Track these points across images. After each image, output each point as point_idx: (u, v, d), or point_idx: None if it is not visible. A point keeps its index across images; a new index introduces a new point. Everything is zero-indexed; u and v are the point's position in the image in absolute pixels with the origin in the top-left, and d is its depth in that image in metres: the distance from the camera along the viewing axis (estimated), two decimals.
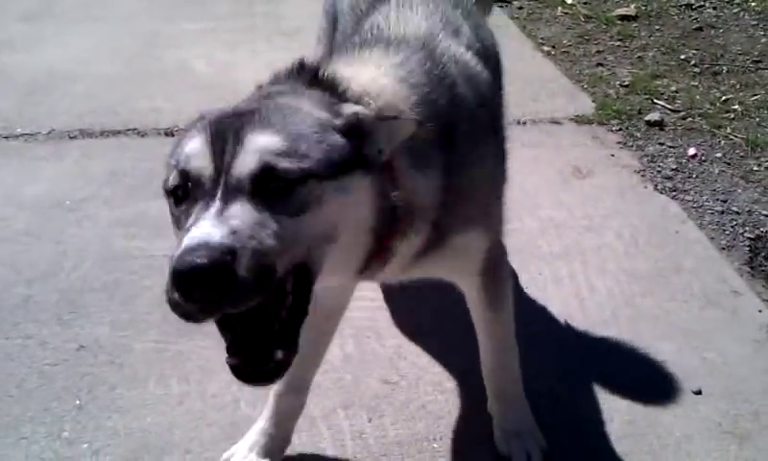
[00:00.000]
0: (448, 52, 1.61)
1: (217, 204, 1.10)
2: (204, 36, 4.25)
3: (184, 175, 1.16)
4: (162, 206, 2.85)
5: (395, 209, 1.31)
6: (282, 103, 1.25)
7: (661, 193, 3.06)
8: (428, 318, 2.33)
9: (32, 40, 4.19)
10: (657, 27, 4.75)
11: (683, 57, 4.34)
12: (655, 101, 3.83)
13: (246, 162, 1.13)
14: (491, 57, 1.90)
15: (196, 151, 1.16)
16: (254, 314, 1.12)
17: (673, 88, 3.97)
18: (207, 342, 2.20)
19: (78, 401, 2.00)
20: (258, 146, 1.14)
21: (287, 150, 1.15)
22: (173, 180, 1.19)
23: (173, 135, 3.27)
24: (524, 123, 3.55)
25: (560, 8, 5.03)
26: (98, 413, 1.97)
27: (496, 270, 1.75)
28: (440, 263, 1.55)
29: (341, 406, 2.01)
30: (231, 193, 1.11)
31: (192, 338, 2.21)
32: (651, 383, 2.16)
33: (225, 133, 1.16)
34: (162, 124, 3.35)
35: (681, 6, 5.03)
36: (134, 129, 3.33)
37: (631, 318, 2.38)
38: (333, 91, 1.33)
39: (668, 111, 3.74)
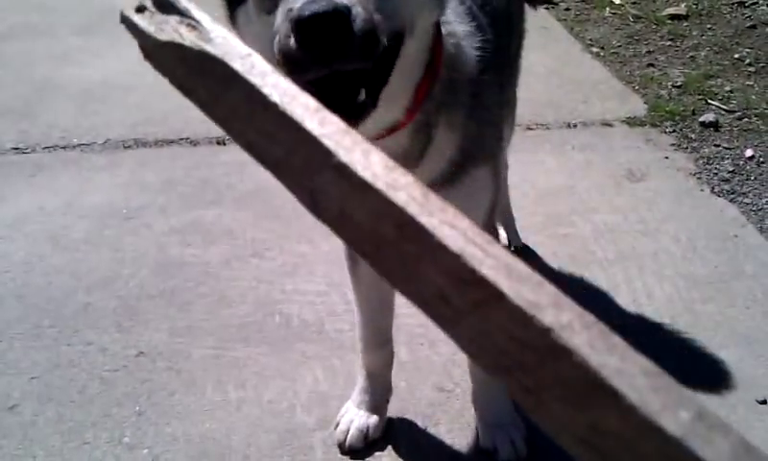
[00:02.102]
0: None
1: None
2: None
3: None
4: (216, 215, 2.91)
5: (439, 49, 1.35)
6: None
7: (719, 196, 2.98)
8: None
9: (86, 53, 4.30)
10: (708, 26, 4.64)
11: (736, 56, 4.23)
12: (709, 101, 3.73)
13: None
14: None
15: None
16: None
17: (727, 88, 3.87)
18: (263, 348, 2.23)
19: (138, 407, 2.04)
20: None
21: None
22: None
23: (224, 144, 3.32)
24: (575, 126, 3.51)
25: (608, 8, 4.95)
26: (157, 419, 2.00)
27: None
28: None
29: (395, 414, 2.01)
30: None
31: (248, 344, 2.24)
32: (713, 392, 2.10)
33: None
34: (213, 133, 3.40)
35: (733, 4, 4.91)
36: (187, 138, 3.39)
37: (691, 324, 2.32)
38: None
39: (723, 112, 3.65)
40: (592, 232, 2.75)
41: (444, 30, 1.41)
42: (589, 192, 2.97)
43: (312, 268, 2.57)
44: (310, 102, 0.54)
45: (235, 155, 3.24)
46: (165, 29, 0.62)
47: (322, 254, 2.62)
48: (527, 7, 2.35)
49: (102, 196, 2.99)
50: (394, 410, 2.01)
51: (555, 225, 2.75)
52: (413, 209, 0.47)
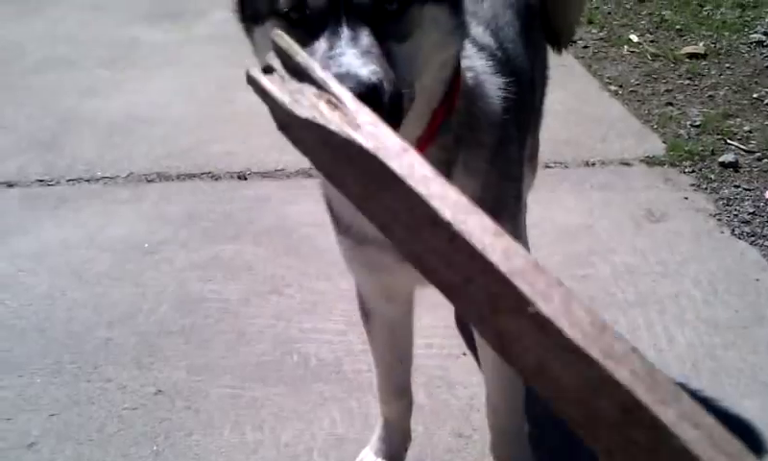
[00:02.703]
0: None
1: (346, 32, 1.10)
2: None
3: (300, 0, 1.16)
4: (236, 250, 2.93)
5: (457, 80, 1.36)
6: None
7: (739, 238, 2.96)
8: None
9: (112, 86, 4.38)
10: (727, 65, 4.63)
11: (755, 95, 4.21)
12: (728, 141, 3.72)
13: None
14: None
15: None
16: None
17: (747, 128, 3.85)
18: (280, 389, 2.23)
19: (155, 447, 2.04)
20: None
21: None
22: (285, 3, 1.18)
23: (245, 179, 3.36)
24: (593, 164, 3.51)
25: (626, 46, 4.97)
26: (174, 460, 2.00)
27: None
28: None
29: (413, 460, 2.00)
30: (353, 18, 1.11)
31: (265, 384, 2.25)
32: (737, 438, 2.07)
33: None
34: (235, 167, 3.45)
35: (751, 43, 4.90)
36: (209, 172, 3.43)
37: (713, 371, 2.29)
38: None
39: (743, 152, 3.63)
40: (612, 274, 2.74)
41: (463, 63, 1.42)
42: (608, 232, 2.96)
43: (331, 306, 2.57)
44: (486, 221, 0.48)
45: (256, 189, 3.29)
46: (302, 102, 0.57)
47: (340, 292, 2.63)
48: (550, 51, 2.36)
49: (124, 229, 3.02)
50: (411, 456, 2.00)
51: (574, 265, 2.75)
52: (641, 393, 0.41)
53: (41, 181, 3.40)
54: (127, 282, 2.71)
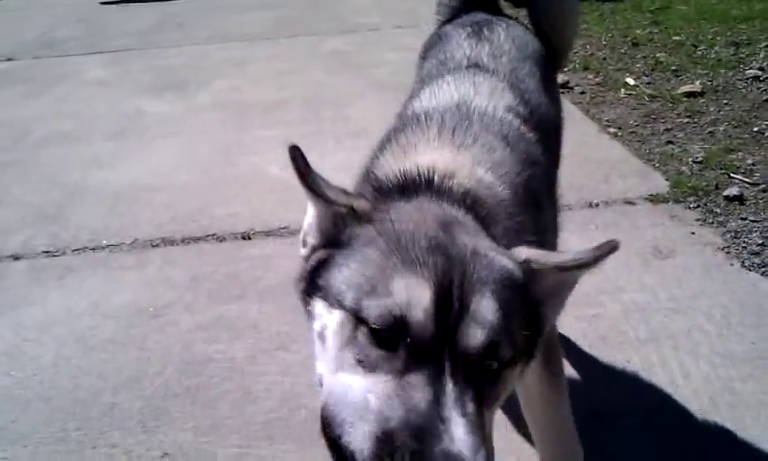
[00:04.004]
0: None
1: (451, 387, 1.00)
2: (275, 141, 4.41)
3: (400, 322, 1.04)
4: (242, 310, 2.90)
5: None
6: (479, 250, 1.14)
7: (749, 270, 2.92)
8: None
9: (116, 157, 4.44)
10: (725, 101, 4.67)
11: (756, 129, 4.23)
12: (732, 175, 3.71)
13: (476, 336, 1.04)
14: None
15: (421, 304, 1.04)
16: None
17: (749, 161, 3.85)
18: (288, 445, 2.18)
19: None
20: (487, 318, 1.05)
21: (506, 326, 1.07)
22: (377, 319, 1.05)
23: (249, 239, 3.37)
24: (597, 205, 3.50)
25: (623, 89, 5.02)
26: None
27: (552, 346, 1.71)
28: None
29: None
30: (457, 367, 1.02)
31: (273, 442, 2.20)
32: None
33: (449, 289, 1.05)
34: (239, 228, 3.46)
35: (748, 79, 4.95)
36: (213, 234, 3.44)
37: (732, 405, 2.23)
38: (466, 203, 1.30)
39: (747, 185, 3.62)
40: (622, 312, 2.69)
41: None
42: (616, 271, 2.92)
43: None
44: None
45: (260, 249, 3.29)
46: None
47: None
48: None
49: (129, 295, 3.02)
50: None
51: (583, 305, 2.70)
52: None
53: (47, 252, 3.41)
54: (132, 347, 2.68)
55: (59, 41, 6.79)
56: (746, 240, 3.13)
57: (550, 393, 1.71)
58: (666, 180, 3.70)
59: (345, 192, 1.26)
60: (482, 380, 1.05)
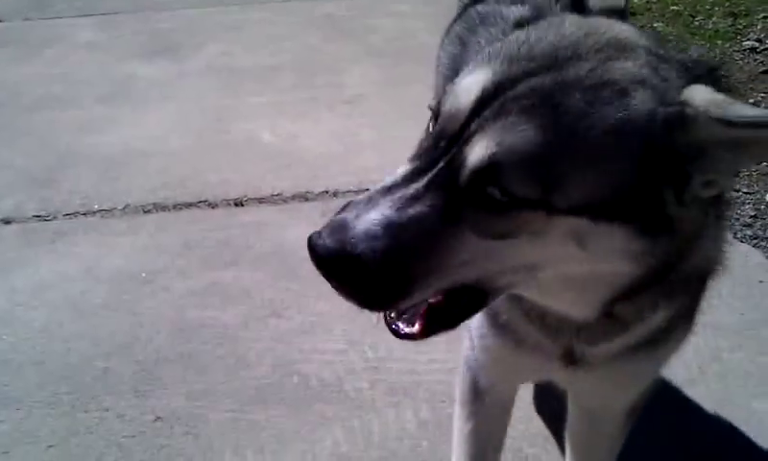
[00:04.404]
0: None
1: (419, 184, 0.93)
2: (268, 108, 4.38)
3: (435, 112, 0.99)
4: (234, 276, 2.91)
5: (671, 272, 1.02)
6: (604, 75, 0.92)
7: (741, 241, 2.93)
8: None
9: (108, 122, 4.39)
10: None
11: (751, 101, 4.21)
12: None
13: (475, 151, 0.90)
14: None
15: (463, 94, 0.95)
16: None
17: None
18: (281, 410, 2.20)
19: None
20: (501, 137, 0.89)
21: (537, 158, 0.88)
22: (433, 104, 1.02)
23: (242, 206, 3.35)
24: None
25: None
26: None
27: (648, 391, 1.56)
28: (626, 368, 1.27)
29: None
30: (444, 176, 0.93)
31: (266, 407, 2.21)
32: (746, 444, 2.03)
33: (500, 90, 0.92)
34: (232, 194, 3.44)
35: (745, 50, 4.92)
36: (205, 200, 3.42)
37: (720, 374, 2.25)
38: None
39: None
40: None
41: None
42: None
43: (330, 326, 2.55)
44: None
45: (253, 215, 3.28)
46: None
47: (340, 313, 2.59)
48: None
49: (121, 260, 3.01)
50: None
51: None
52: None
53: (38, 216, 3.39)
54: (124, 312, 2.68)
55: (49, 3, 6.66)
56: (739, 212, 3.13)
57: (615, 436, 1.64)
58: None
59: None
60: (480, 203, 0.91)
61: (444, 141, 0.94)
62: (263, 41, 5.62)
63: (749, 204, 3.19)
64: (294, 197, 3.39)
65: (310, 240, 0.96)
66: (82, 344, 2.53)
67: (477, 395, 1.59)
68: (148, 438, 2.13)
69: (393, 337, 1.12)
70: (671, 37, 5.20)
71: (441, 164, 0.93)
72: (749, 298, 2.59)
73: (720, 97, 0.93)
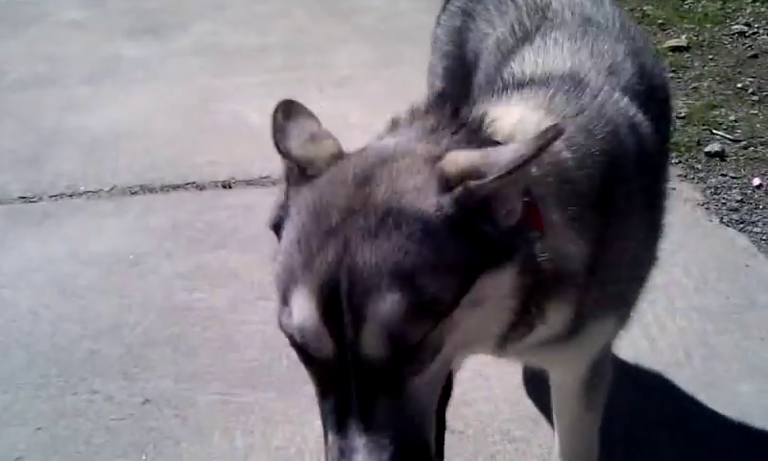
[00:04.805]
0: (604, 95, 1.39)
1: (356, 405, 0.95)
2: (257, 88, 4.34)
3: (304, 348, 0.99)
4: (222, 259, 2.89)
5: (538, 276, 1.09)
6: (384, 208, 0.98)
7: (728, 226, 2.96)
8: (493, 362, 2.27)
9: (93, 101, 4.35)
10: (710, 56, 4.65)
11: (739, 85, 4.23)
12: (714, 131, 3.72)
13: (375, 345, 0.93)
14: (657, 100, 1.61)
15: (309, 326, 0.96)
16: None
17: (732, 118, 3.86)
18: (270, 393, 2.20)
19: (144, 457, 2.01)
20: (383, 320, 0.92)
21: (410, 303, 0.93)
22: (289, 341, 1.02)
23: (230, 187, 3.34)
24: None
25: None
26: None
27: (603, 364, 1.61)
28: (559, 352, 1.34)
29: None
30: (364, 380, 0.95)
31: (255, 389, 2.21)
32: (731, 427, 2.05)
33: (337, 297, 0.94)
34: (220, 176, 3.42)
35: (733, 34, 4.93)
36: (193, 182, 3.40)
37: (705, 358, 2.28)
38: (477, 132, 1.13)
39: (729, 142, 3.64)
40: None
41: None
42: None
43: None
44: None
45: (241, 198, 3.26)
46: None
47: None
48: None
49: (108, 242, 2.99)
50: None
51: None
52: None
53: (24, 197, 3.36)
54: (112, 295, 2.67)
55: None
56: (725, 197, 3.16)
57: (587, 405, 1.66)
58: None
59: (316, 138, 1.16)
60: (400, 363, 0.96)
61: (332, 367, 0.97)
62: (251, 20, 5.56)
63: (735, 188, 3.21)
64: (282, 180, 3.37)
65: None
66: (69, 326, 2.52)
67: None
68: (136, 420, 2.12)
69: None
70: (660, 20, 5.21)
71: (353, 386, 0.96)
72: (735, 282, 2.61)
73: (474, 156, 1.02)
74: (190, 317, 2.53)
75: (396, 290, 0.92)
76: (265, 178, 3.39)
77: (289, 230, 1.05)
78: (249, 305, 2.58)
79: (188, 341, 2.42)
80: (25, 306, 2.62)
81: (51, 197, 3.35)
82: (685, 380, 2.20)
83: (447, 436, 2.00)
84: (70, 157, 3.69)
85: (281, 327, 1.02)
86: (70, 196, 3.37)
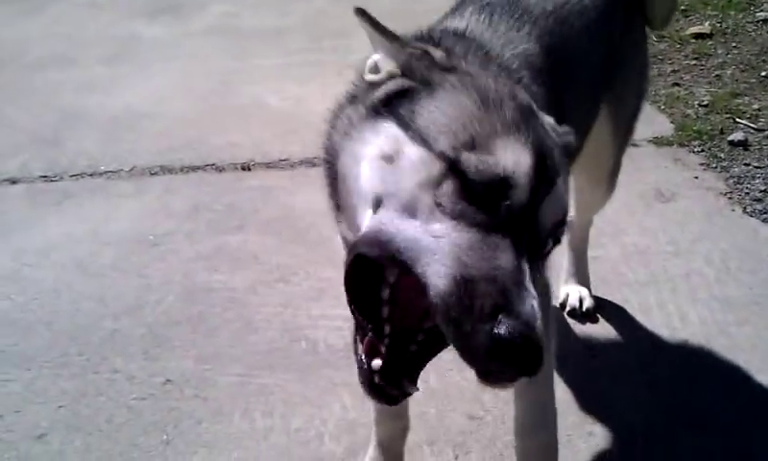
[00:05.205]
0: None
1: (526, 258, 0.99)
2: (275, 71, 4.34)
3: (500, 182, 1.01)
4: (242, 241, 2.90)
5: None
6: (547, 122, 1.17)
7: (751, 216, 2.92)
8: None
9: (111, 82, 4.35)
10: (734, 44, 4.59)
11: (763, 73, 4.17)
12: (737, 120, 3.68)
13: (556, 214, 1.06)
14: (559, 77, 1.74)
15: (523, 169, 1.01)
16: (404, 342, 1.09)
17: (755, 106, 3.81)
18: (289, 375, 2.21)
19: (165, 436, 2.02)
20: (564, 197, 1.08)
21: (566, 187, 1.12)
22: (477, 174, 1.00)
23: (249, 170, 3.34)
24: None
25: None
26: (185, 448, 1.98)
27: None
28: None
29: (426, 442, 1.97)
30: (535, 243, 1.03)
31: (274, 371, 2.22)
32: (752, 419, 2.04)
33: (541, 164, 1.04)
34: (239, 159, 3.42)
35: (758, 22, 4.86)
36: (213, 164, 3.40)
37: (726, 348, 2.26)
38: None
39: (752, 130, 3.59)
40: (622, 254, 2.71)
41: None
42: (618, 213, 2.91)
43: (338, 292, 2.52)
44: None
45: (261, 180, 3.26)
46: None
47: None
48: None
49: (129, 223, 3.00)
50: (424, 438, 1.97)
51: None
52: None
53: (44, 176, 3.38)
54: (132, 275, 2.68)
55: None
56: (748, 186, 3.12)
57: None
58: (671, 123, 3.67)
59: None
60: (542, 258, 1.09)
61: (506, 210, 1.00)
62: (270, 2, 5.54)
63: (759, 178, 3.17)
64: (302, 162, 3.37)
65: (526, 338, 0.93)
66: (90, 305, 2.54)
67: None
68: (157, 400, 2.14)
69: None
70: (684, 6, 5.13)
71: (527, 235, 1.01)
72: (757, 272, 2.58)
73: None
74: (210, 298, 2.54)
75: (566, 181, 1.10)
76: (284, 160, 3.39)
77: (459, 99, 1.09)
78: (268, 288, 2.58)
79: (208, 322, 2.43)
80: (47, 285, 2.64)
81: (71, 176, 3.37)
82: (706, 372, 2.19)
83: (466, 422, 2.02)
84: (90, 137, 3.71)
85: (460, 162, 1.01)
86: (90, 175, 3.38)
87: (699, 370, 2.21)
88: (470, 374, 2.21)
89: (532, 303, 0.95)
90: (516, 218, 1.00)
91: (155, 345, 2.34)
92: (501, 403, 2.07)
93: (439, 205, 1.01)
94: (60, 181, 3.35)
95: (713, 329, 2.34)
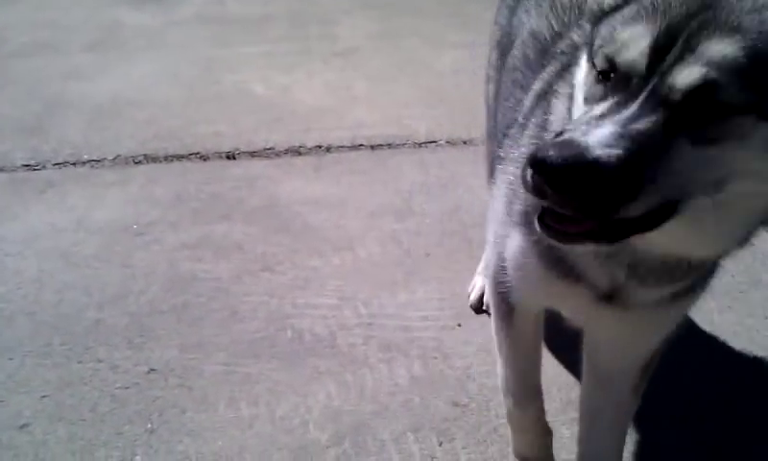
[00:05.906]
0: None
1: (632, 109, 0.98)
2: (260, 59, 4.32)
3: (610, 62, 1.05)
4: (227, 230, 2.90)
5: None
6: None
7: None
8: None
9: (95, 69, 4.32)
10: None
11: None
12: None
13: (689, 74, 0.97)
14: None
15: (634, 43, 1.02)
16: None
17: None
18: (274, 364, 2.21)
19: (149, 425, 2.02)
20: (710, 57, 0.97)
21: (742, 70, 0.96)
22: (599, 62, 1.08)
23: (234, 159, 3.33)
24: None
25: None
26: (169, 437, 1.98)
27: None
28: (659, 314, 1.39)
29: (410, 429, 1.98)
30: (653, 100, 0.99)
31: (259, 360, 2.22)
32: (734, 405, 2.07)
33: (675, 31, 1.00)
34: (224, 147, 3.41)
35: None
36: (197, 153, 3.39)
37: (709, 335, 2.28)
38: None
39: None
40: None
41: None
42: None
43: (323, 282, 2.55)
44: None
45: (245, 169, 3.25)
46: None
47: (332, 268, 2.61)
48: None
49: (112, 212, 2.98)
50: (408, 425, 1.98)
51: None
52: None
53: (27, 165, 3.35)
54: (116, 264, 2.67)
55: None
56: None
57: (638, 390, 1.64)
58: None
59: None
60: (696, 120, 0.97)
61: (637, 78, 1.01)
62: None
63: None
64: (287, 151, 3.36)
65: (536, 155, 0.95)
66: (74, 294, 2.52)
67: (509, 308, 1.60)
68: (141, 389, 2.13)
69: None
70: None
71: (645, 93, 0.99)
72: (739, 260, 2.55)
73: None
74: (195, 287, 2.53)
75: (734, 46, 0.98)
76: (269, 149, 3.38)
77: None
78: (253, 277, 2.58)
79: (193, 311, 2.43)
80: (30, 275, 2.62)
81: (55, 165, 3.34)
82: (689, 359, 2.21)
83: (450, 409, 2.03)
84: (73, 126, 3.68)
85: (596, 56, 1.09)
86: (74, 164, 3.36)
87: (683, 357, 2.23)
88: (456, 361, 2.23)
89: (603, 129, 0.95)
90: (634, 86, 1.01)
91: (139, 334, 2.33)
92: (486, 391, 2.09)
93: (585, 99, 1.11)
94: (43, 169, 3.32)
95: (697, 317, 2.36)
